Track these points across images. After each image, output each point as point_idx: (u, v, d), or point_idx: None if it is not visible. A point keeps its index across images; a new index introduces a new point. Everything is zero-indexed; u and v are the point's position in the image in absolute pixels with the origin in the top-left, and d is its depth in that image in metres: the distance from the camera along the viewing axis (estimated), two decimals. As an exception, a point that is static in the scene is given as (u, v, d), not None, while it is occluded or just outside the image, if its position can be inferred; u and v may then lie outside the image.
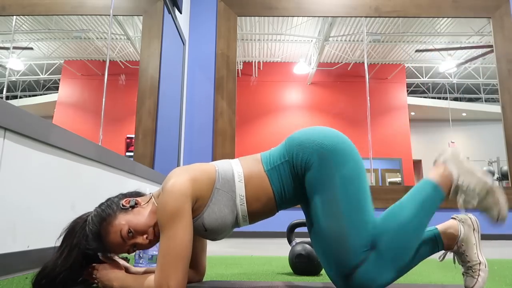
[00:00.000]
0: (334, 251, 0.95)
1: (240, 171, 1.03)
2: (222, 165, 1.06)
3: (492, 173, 6.25)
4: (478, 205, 1.01)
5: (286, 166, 1.03)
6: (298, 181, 1.03)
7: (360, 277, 0.92)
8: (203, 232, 1.02)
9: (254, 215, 1.05)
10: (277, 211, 1.08)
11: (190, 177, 0.97)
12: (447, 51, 7.28)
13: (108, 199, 1.08)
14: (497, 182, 1.10)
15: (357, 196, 0.97)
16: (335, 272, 0.97)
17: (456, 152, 1.05)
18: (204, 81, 4.40)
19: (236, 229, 2.59)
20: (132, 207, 1.02)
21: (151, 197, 1.07)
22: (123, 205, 1.02)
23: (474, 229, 1.06)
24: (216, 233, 1.02)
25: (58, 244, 1.02)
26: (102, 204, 1.07)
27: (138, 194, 1.11)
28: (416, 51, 7.27)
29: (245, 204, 1.01)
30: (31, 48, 2.53)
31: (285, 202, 1.06)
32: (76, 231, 1.02)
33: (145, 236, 1.00)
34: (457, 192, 1.02)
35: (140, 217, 1.00)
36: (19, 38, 2.63)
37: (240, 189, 1.01)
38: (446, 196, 1.02)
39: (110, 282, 1.00)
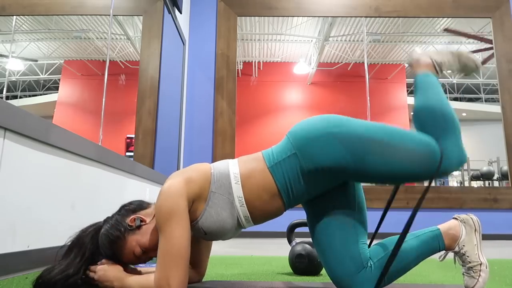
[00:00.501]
0: (417, 166, 0.98)
1: (236, 172, 1.01)
2: (219, 167, 1.04)
3: (492, 174, 6.24)
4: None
5: (293, 160, 0.99)
6: (307, 175, 0.99)
7: (448, 156, 0.99)
8: (204, 236, 1.02)
9: (258, 214, 1.03)
10: (286, 209, 1.06)
11: (184, 178, 0.97)
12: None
13: (113, 217, 1.07)
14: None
15: (387, 128, 1.01)
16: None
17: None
18: (204, 81, 4.40)
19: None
20: (139, 227, 1.02)
21: (154, 211, 1.06)
22: (129, 225, 1.02)
23: (475, 230, 1.06)
24: (216, 236, 1.02)
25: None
26: (107, 221, 1.07)
27: (141, 206, 1.09)
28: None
29: (245, 205, 1.00)
30: (36, 60, 2.53)
31: (294, 198, 1.02)
32: (86, 246, 1.04)
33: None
34: (441, 68, 1.16)
35: (149, 235, 1.01)
36: (19, 38, 2.63)
37: (238, 191, 1.00)
38: (437, 75, 1.15)
39: (110, 282, 1.00)
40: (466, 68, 1.16)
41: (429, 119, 1.04)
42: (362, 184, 1.11)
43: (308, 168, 0.98)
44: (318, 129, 0.99)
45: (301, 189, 1.01)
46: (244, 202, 1.00)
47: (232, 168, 1.03)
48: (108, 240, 1.02)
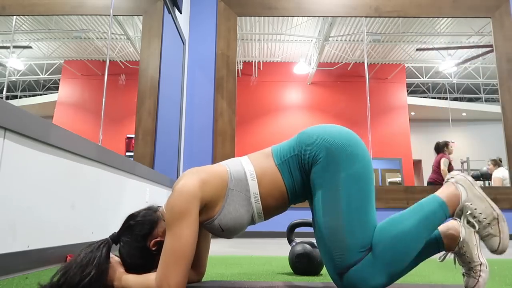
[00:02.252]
0: (331, 248, 0.96)
1: (251, 169, 1.05)
2: (233, 165, 1.07)
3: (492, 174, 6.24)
4: (481, 231, 0.99)
5: (295, 160, 1.04)
6: (305, 175, 1.04)
7: (352, 276, 0.93)
8: (220, 232, 1.03)
9: (269, 211, 1.06)
10: (288, 206, 1.10)
11: (200, 179, 0.98)
12: (447, 51, 7.28)
13: (133, 235, 1.02)
14: (502, 214, 1.10)
15: (359, 197, 0.97)
16: (330, 268, 0.98)
17: (469, 177, 1.05)
18: (204, 81, 4.40)
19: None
20: (159, 249, 1.00)
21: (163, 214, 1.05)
22: (154, 251, 1.01)
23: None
24: (233, 233, 1.04)
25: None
26: (123, 246, 1.03)
27: (152, 223, 1.04)
28: (417, 49, 7.27)
29: (260, 202, 1.03)
30: (30, 47, 2.52)
31: (296, 196, 1.07)
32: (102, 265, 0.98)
33: None
34: (462, 213, 1.00)
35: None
36: (19, 38, 2.63)
37: (254, 187, 1.03)
38: (450, 215, 1.01)
39: (110, 281, 1.00)
40: (486, 236, 0.98)
41: (388, 237, 0.94)
42: None
43: (306, 167, 1.03)
44: (322, 137, 1.02)
45: (303, 187, 1.06)
46: (259, 198, 1.03)
47: (246, 165, 1.06)
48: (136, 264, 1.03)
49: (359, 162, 0.99)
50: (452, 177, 1.06)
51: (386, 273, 0.93)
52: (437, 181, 4.82)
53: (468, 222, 1.00)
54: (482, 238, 1.00)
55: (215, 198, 1.00)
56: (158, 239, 1.02)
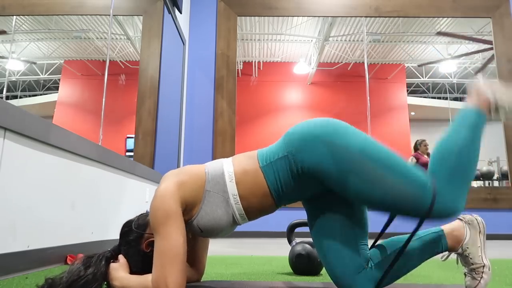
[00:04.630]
0: (403, 206, 0.93)
1: (230, 170, 1.03)
2: (213, 167, 1.05)
3: (492, 174, 6.24)
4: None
5: (284, 162, 1.00)
6: (297, 176, 1.00)
7: (439, 208, 0.91)
8: (200, 233, 1.03)
9: (252, 212, 1.04)
10: (277, 207, 1.07)
11: (178, 181, 0.98)
12: (447, 51, 7.28)
13: (127, 241, 1.05)
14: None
15: (383, 154, 0.95)
16: (410, 213, 0.94)
17: (487, 82, 1.06)
18: (204, 81, 4.40)
19: (236, 229, 2.59)
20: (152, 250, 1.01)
21: None
22: (148, 253, 1.02)
23: (479, 232, 1.05)
24: (212, 234, 1.03)
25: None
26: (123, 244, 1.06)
27: (142, 223, 1.07)
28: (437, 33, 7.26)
29: (240, 203, 1.01)
30: (4, 32, 2.46)
31: (284, 198, 1.04)
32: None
33: None
34: (498, 110, 1.02)
35: None
36: (19, 38, 2.63)
37: (232, 189, 1.01)
38: (488, 116, 1.03)
39: (110, 281, 1.00)
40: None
41: (447, 158, 0.96)
42: None
43: (297, 170, 0.99)
44: (312, 133, 0.99)
45: (292, 189, 1.02)
46: (239, 199, 1.01)
47: (226, 166, 1.04)
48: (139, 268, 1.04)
49: (356, 134, 0.98)
50: (473, 86, 1.07)
51: (462, 190, 0.93)
52: None
53: (507, 116, 1.02)
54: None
55: (193, 199, 1.00)
56: (151, 239, 1.03)
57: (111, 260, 1.05)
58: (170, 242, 0.91)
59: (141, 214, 1.12)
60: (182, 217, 0.96)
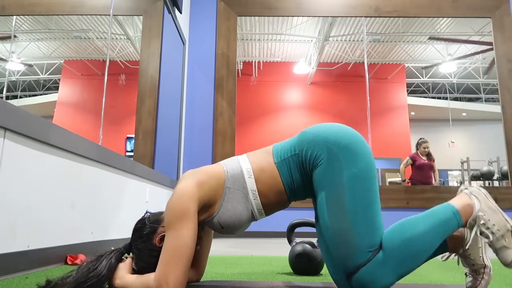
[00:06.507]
0: (339, 249, 0.95)
1: (248, 167, 1.05)
2: (230, 164, 1.08)
3: (492, 174, 6.23)
4: (494, 242, 0.98)
5: (295, 160, 1.04)
6: (306, 176, 1.04)
7: (362, 276, 0.92)
8: (221, 230, 1.05)
9: (269, 207, 1.07)
10: (289, 203, 1.11)
11: (197, 180, 1.00)
12: (447, 51, 7.29)
13: (140, 236, 1.06)
14: None
15: (364, 196, 0.96)
16: (338, 270, 0.96)
17: (483, 189, 1.04)
18: (204, 81, 4.40)
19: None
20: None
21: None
22: (158, 247, 1.02)
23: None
24: (233, 229, 1.06)
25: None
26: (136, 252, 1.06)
27: (155, 219, 1.08)
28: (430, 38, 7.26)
29: (259, 198, 1.04)
30: (9, 37, 2.47)
31: (296, 194, 1.07)
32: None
33: None
34: (475, 223, 0.99)
35: None
36: (19, 38, 2.63)
37: (251, 185, 1.04)
38: (463, 225, 0.99)
39: (113, 280, 1.01)
40: (499, 249, 0.96)
41: (400, 239, 0.94)
42: None
43: (306, 168, 1.03)
44: (323, 135, 1.02)
45: (304, 186, 1.06)
46: (258, 195, 1.04)
47: (243, 163, 1.07)
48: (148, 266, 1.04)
49: (362, 160, 0.98)
50: (466, 188, 1.05)
51: (395, 273, 0.92)
52: (412, 180, 4.86)
53: (482, 233, 0.98)
54: (496, 250, 0.98)
55: (213, 197, 1.02)
56: (164, 233, 1.03)
57: (121, 257, 1.06)
58: (180, 241, 0.92)
59: (153, 212, 1.13)
60: (196, 219, 0.97)
